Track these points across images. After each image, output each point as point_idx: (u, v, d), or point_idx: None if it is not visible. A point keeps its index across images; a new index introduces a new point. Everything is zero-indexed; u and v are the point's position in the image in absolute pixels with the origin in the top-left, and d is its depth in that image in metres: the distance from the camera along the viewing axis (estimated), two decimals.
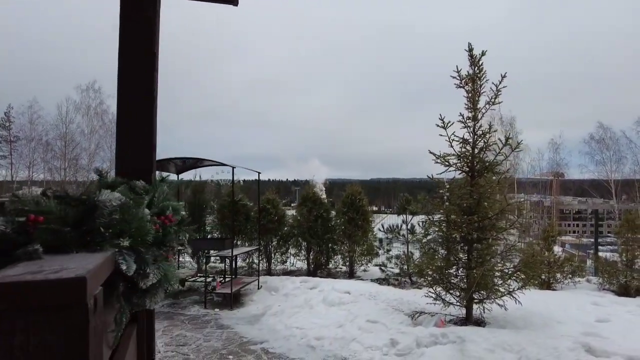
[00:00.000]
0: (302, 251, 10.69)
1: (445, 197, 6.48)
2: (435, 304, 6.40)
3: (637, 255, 8.87)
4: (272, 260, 11.04)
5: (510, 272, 6.23)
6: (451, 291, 6.39)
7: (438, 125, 6.14)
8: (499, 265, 6.39)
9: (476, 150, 6.46)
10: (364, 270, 10.78)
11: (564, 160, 29.29)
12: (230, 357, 5.53)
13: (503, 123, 31.19)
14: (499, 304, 6.36)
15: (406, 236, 10.28)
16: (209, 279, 8.08)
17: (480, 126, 6.43)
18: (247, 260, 10.99)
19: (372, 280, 9.80)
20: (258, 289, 8.82)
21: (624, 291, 8.57)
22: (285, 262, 10.97)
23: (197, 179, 11.70)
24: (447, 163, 6.39)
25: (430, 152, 6.39)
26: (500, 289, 6.28)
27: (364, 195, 10.40)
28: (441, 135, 6.18)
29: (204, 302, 7.85)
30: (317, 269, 10.61)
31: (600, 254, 10.77)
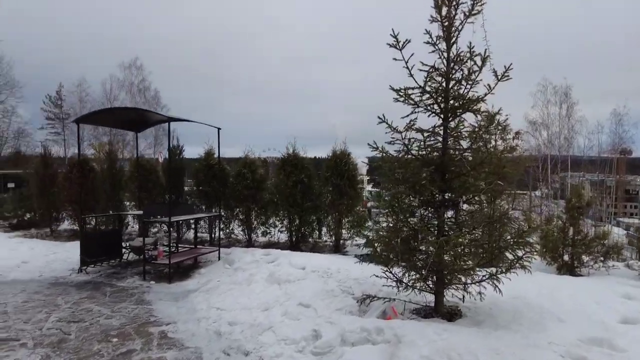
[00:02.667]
0: (284, 221, 9.42)
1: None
2: (397, 287, 4.88)
3: None
4: (257, 231, 9.88)
5: (492, 246, 4.53)
6: (413, 272, 4.83)
7: (390, 45, 4.46)
8: (470, 237, 4.70)
9: (451, 83, 4.73)
10: (355, 245, 9.31)
11: (628, 133, 25.24)
12: (115, 339, 4.45)
13: (557, 92, 27.57)
14: (477, 292, 4.74)
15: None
16: (150, 248, 7.06)
17: (459, 50, 4.67)
18: (226, 230, 9.93)
19: (356, 256, 8.32)
20: (218, 260, 7.73)
21: None
22: (268, 233, 9.76)
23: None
24: (410, 101, 4.71)
25: (391, 88, 4.72)
26: (477, 271, 4.64)
27: (352, 158, 8.85)
28: (396, 59, 4.50)
29: (143, 274, 6.86)
30: (300, 242, 9.31)
31: None
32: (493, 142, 7.75)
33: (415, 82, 4.58)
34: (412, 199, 4.71)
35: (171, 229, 7.79)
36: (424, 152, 4.75)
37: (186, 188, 10.52)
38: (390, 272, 4.85)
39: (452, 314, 4.88)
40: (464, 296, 5.07)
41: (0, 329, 4.73)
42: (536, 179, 28.48)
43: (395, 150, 4.73)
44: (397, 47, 4.44)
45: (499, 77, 4.50)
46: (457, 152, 4.83)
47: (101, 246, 7.48)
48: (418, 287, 4.79)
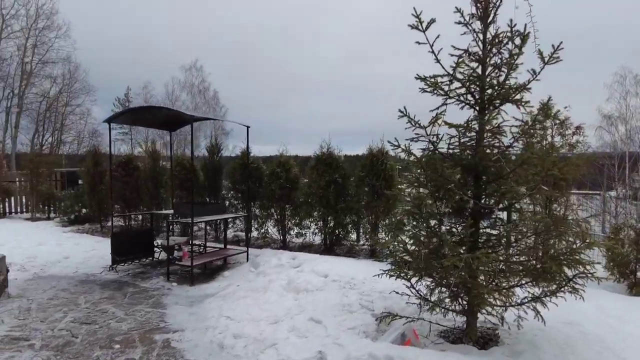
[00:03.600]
0: (318, 223, 8.98)
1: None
2: (419, 306, 4.25)
3: None
4: (291, 232, 9.54)
5: (533, 264, 3.76)
6: (440, 288, 4.18)
7: (411, 27, 3.83)
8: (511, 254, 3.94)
9: (488, 69, 4.02)
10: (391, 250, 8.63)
11: None
12: (117, 346, 4.29)
13: (638, 82, 24.44)
14: (516, 316, 4.00)
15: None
16: (175, 249, 6.97)
17: (498, 29, 3.94)
18: (261, 230, 9.69)
19: (389, 263, 7.71)
20: (246, 262, 7.49)
21: None
22: (302, 234, 9.38)
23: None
24: (440, 91, 4.05)
25: (418, 77, 4.08)
26: (514, 292, 3.90)
27: (389, 156, 8.19)
28: (419, 43, 3.86)
29: (167, 274, 6.77)
30: (334, 245, 8.82)
31: None
32: (549, 138, 6.77)
33: (443, 68, 3.92)
34: (438, 204, 4.05)
35: (207, 228, 7.65)
36: (454, 151, 4.08)
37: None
38: (414, 288, 4.24)
39: (486, 340, 4.16)
40: (502, 318, 4.32)
41: (16, 327, 4.76)
42: (611, 179, 25.60)
43: (419, 149, 4.11)
44: (420, 28, 3.81)
45: (546, 59, 3.72)
46: (494, 150, 4.10)
47: (132, 245, 7.53)
48: (444, 307, 4.13)
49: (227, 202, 10.02)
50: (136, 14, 46.11)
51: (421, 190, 4.12)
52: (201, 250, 7.65)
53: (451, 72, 3.90)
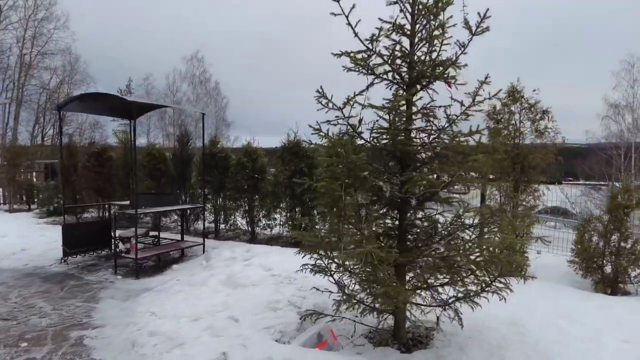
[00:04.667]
0: (285, 214, 8.66)
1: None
2: (337, 304, 3.89)
3: None
4: (259, 224, 9.23)
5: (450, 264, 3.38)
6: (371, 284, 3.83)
7: None
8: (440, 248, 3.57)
9: (417, 43, 3.62)
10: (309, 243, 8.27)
11: None
12: (25, 344, 4.05)
13: None
14: (449, 316, 3.66)
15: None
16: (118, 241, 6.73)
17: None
18: (228, 221, 9.40)
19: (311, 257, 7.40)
20: (203, 254, 7.23)
21: None
22: (269, 226, 9.05)
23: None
24: (367, 69, 3.65)
25: (341, 53, 3.68)
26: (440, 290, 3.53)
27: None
28: (334, 14, 3.47)
29: (115, 267, 6.53)
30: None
31: None
32: (516, 123, 6.33)
33: (361, 42, 3.52)
34: (361, 194, 3.68)
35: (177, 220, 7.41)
36: (376, 135, 3.70)
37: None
38: (338, 284, 3.90)
39: (415, 343, 3.83)
40: (437, 318, 3.97)
41: None
42: (618, 170, 24.77)
43: (337, 134, 3.74)
44: None
45: (473, 30, 3.32)
46: (424, 135, 3.72)
47: (86, 236, 7.30)
48: (368, 306, 3.79)
49: (194, 193, 9.76)
50: (141, 4, 45.88)
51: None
52: (155, 242, 7.40)
53: (372, 47, 3.50)
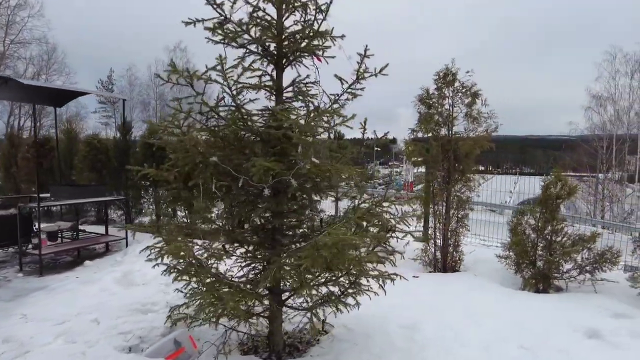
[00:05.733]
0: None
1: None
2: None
3: None
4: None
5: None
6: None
7: None
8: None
9: (285, 15, 3.17)
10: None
11: None
12: None
13: (628, 61, 22.99)
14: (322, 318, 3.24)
15: None
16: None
17: None
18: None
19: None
20: (126, 247, 6.80)
21: None
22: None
23: None
24: (226, 39, 3.17)
25: (189, 21, 3.17)
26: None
27: None
28: None
29: (20, 264, 6.08)
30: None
31: None
32: (447, 106, 5.90)
33: (214, 9, 3.05)
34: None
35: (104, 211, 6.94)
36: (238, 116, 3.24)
37: None
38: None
39: (291, 350, 3.42)
40: (323, 322, 3.57)
41: None
42: (602, 162, 24.49)
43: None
44: None
45: None
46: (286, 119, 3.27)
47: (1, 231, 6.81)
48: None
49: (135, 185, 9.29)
50: None
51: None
52: (74, 236, 6.95)
53: (223, 12, 3.03)
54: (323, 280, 3.15)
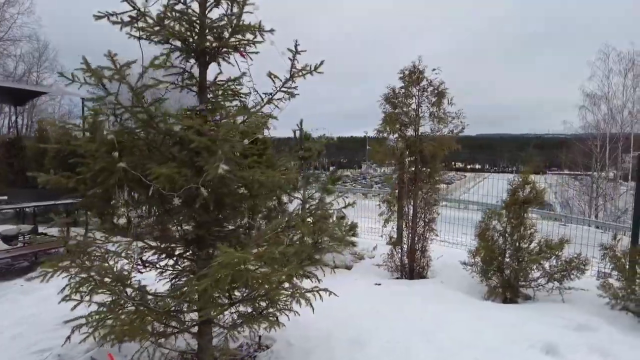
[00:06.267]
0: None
1: None
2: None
3: None
4: None
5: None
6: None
7: None
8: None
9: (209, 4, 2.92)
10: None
11: None
12: None
13: (621, 60, 22.68)
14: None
15: None
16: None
17: None
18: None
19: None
20: None
21: None
22: None
23: None
24: (140, 34, 2.89)
25: (99, 15, 2.89)
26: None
27: None
28: None
29: None
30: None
31: None
32: (414, 106, 5.65)
33: (129, 3, 2.78)
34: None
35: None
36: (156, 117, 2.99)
37: None
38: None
39: None
40: (259, 338, 3.33)
41: None
42: (596, 160, 24.24)
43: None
44: None
45: None
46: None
47: None
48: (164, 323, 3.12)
49: None
50: None
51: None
52: (30, 239, 6.70)
53: (135, 6, 2.77)
54: (239, 299, 2.91)
